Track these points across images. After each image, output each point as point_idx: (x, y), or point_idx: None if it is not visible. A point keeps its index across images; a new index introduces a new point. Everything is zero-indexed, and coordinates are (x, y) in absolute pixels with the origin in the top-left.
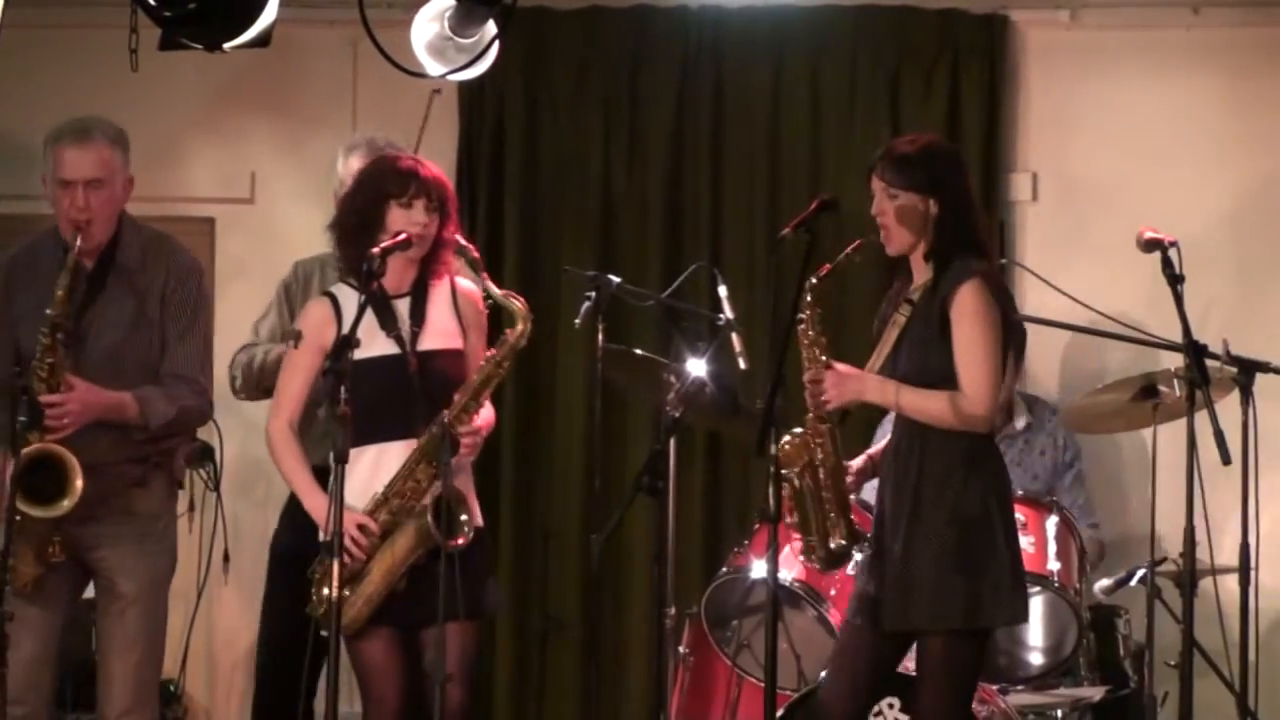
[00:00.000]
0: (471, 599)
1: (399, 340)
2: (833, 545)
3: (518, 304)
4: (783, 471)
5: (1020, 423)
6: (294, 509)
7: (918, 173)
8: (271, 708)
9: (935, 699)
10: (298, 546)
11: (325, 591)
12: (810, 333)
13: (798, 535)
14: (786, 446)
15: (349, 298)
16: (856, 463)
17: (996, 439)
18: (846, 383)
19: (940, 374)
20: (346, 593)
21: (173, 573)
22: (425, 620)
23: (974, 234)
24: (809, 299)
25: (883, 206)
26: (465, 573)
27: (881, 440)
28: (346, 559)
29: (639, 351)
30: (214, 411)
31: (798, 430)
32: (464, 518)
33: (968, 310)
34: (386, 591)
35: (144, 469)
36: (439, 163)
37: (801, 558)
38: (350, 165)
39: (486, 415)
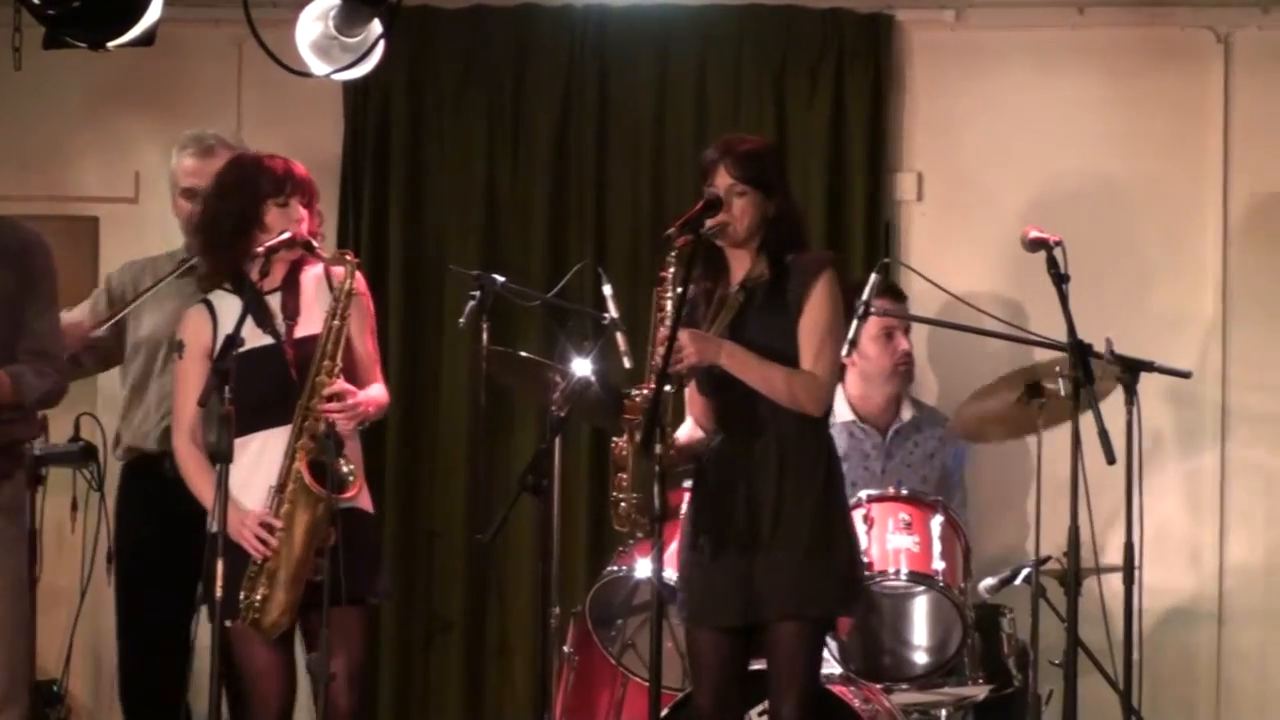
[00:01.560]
0: (361, 580)
1: (274, 332)
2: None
3: (347, 256)
4: (626, 418)
5: (907, 414)
6: (141, 499)
7: (764, 171)
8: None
9: (796, 686)
10: (151, 538)
11: (256, 596)
12: (669, 294)
13: (622, 494)
14: (637, 398)
15: (224, 301)
16: (680, 437)
17: (888, 433)
18: (707, 344)
19: (784, 357)
20: (264, 593)
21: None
22: (314, 601)
23: (804, 231)
24: (671, 257)
25: (729, 199)
26: (355, 553)
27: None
28: (257, 558)
29: (524, 354)
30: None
31: (644, 389)
32: (347, 468)
33: (825, 299)
34: (301, 582)
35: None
36: (323, 161)
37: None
38: (183, 164)
39: (376, 394)
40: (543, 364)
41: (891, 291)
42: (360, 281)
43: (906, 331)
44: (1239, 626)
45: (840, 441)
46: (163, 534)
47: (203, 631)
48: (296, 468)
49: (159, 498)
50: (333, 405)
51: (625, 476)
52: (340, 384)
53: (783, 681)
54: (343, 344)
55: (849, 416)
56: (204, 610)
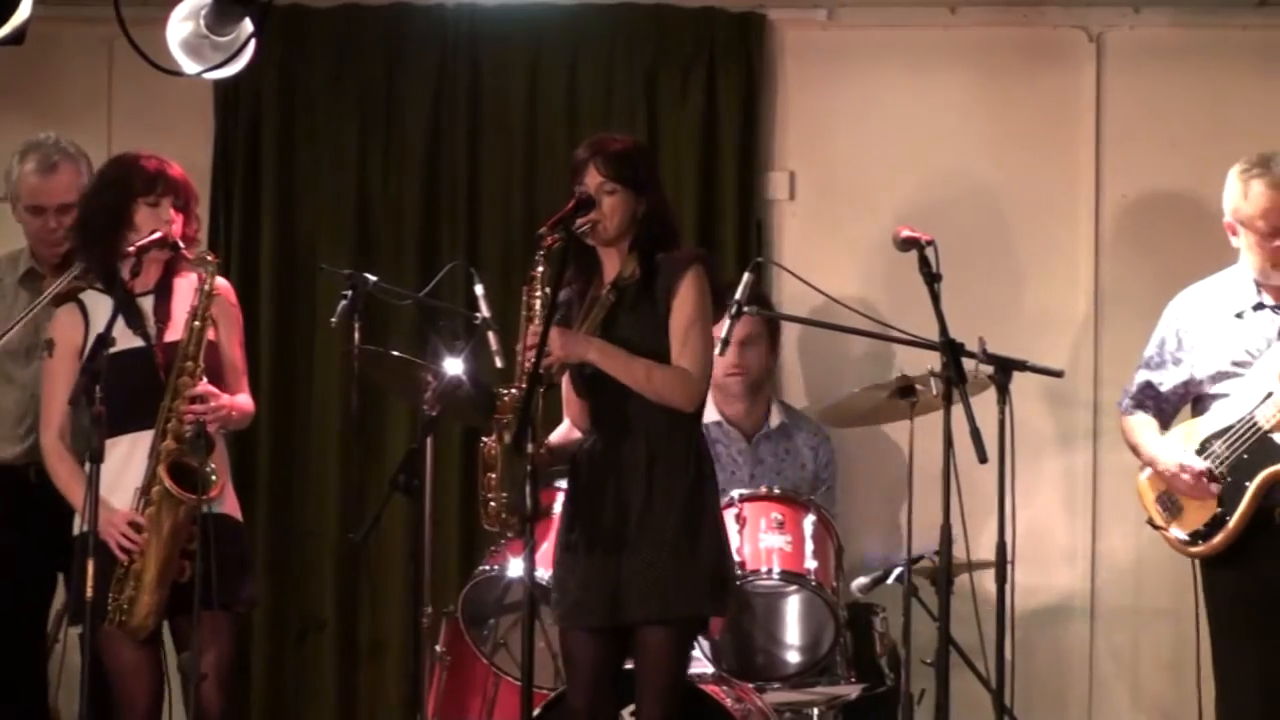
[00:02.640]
0: (228, 589)
1: (145, 334)
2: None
3: (208, 258)
4: (497, 417)
5: (775, 420)
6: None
7: (634, 170)
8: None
9: (663, 687)
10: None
11: (123, 597)
12: (538, 292)
13: (491, 493)
14: (508, 398)
15: (96, 300)
16: (553, 438)
17: (754, 438)
18: (574, 341)
19: (655, 354)
20: (131, 594)
21: None
22: (182, 605)
23: (675, 229)
24: (541, 256)
25: (599, 198)
26: (222, 561)
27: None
28: (123, 558)
29: (396, 353)
30: None
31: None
32: (210, 466)
33: (692, 294)
34: (168, 584)
35: None
36: (194, 161)
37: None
38: (26, 181)
39: (241, 401)
40: (415, 364)
41: (759, 299)
42: (230, 291)
43: (751, 344)
44: (1111, 624)
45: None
46: (22, 542)
47: (71, 633)
48: (159, 470)
49: (19, 508)
50: (196, 407)
51: (494, 476)
52: (204, 386)
53: (650, 682)
54: (204, 345)
55: (715, 418)
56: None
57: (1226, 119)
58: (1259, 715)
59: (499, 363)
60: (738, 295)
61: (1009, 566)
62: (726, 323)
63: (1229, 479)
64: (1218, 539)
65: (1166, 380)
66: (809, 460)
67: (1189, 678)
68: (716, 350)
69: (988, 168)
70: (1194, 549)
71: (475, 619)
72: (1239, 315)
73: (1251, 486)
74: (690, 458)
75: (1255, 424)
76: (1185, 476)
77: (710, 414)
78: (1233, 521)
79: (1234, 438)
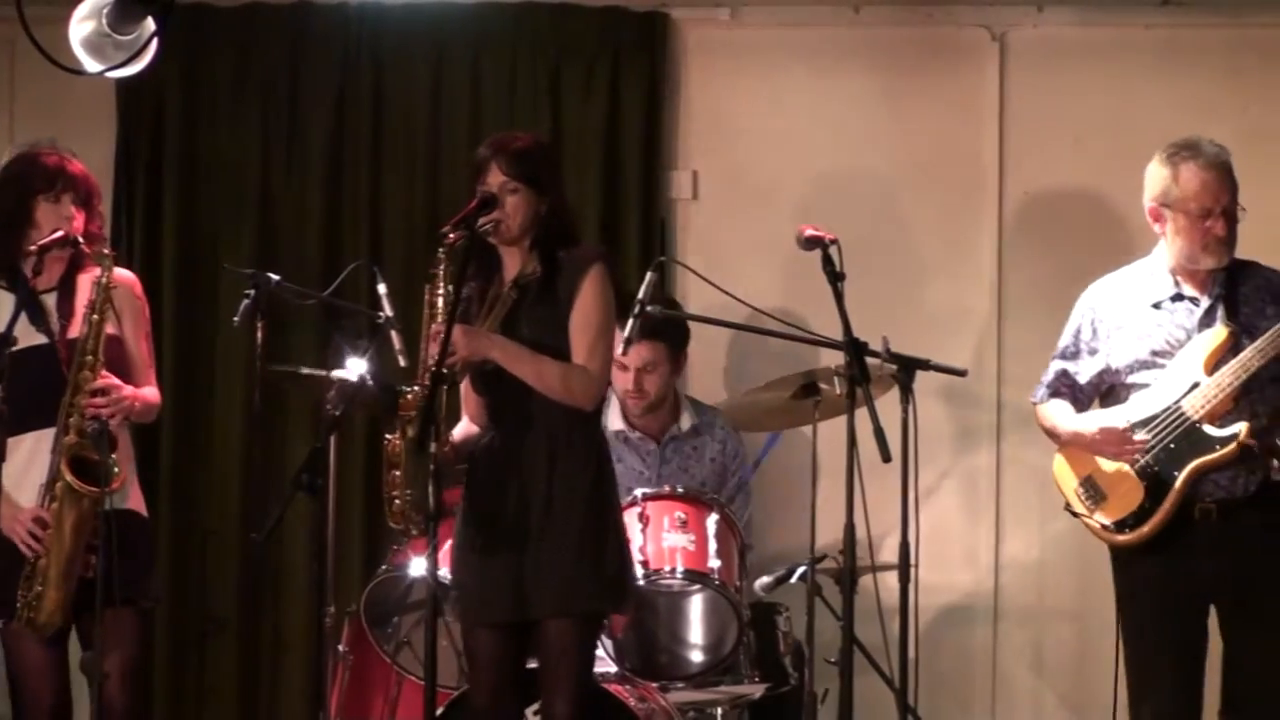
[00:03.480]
0: (133, 583)
1: (48, 331)
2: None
3: (105, 253)
4: (401, 414)
5: (686, 423)
6: None
7: (536, 169)
8: None
9: (567, 683)
10: None
11: (30, 594)
12: (440, 290)
13: (395, 491)
14: (411, 396)
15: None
16: (456, 435)
17: (662, 440)
18: (477, 339)
19: (557, 352)
20: (38, 590)
21: None
22: (89, 604)
23: (576, 228)
24: (443, 254)
25: (502, 197)
26: (126, 556)
27: None
28: (30, 554)
29: (304, 370)
30: None
31: (418, 387)
32: (112, 459)
33: (594, 293)
34: (73, 579)
35: None
36: (96, 159)
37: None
38: None
39: (147, 393)
40: (322, 379)
41: (663, 299)
42: (134, 284)
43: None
44: (1015, 624)
45: (614, 449)
46: None
47: None
48: (61, 465)
49: None
50: (98, 400)
51: (398, 474)
52: (105, 379)
53: (553, 680)
54: (103, 339)
55: (620, 426)
56: None
57: (1129, 117)
58: (1174, 715)
59: (402, 361)
60: (640, 295)
61: (912, 566)
62: (630, 322)
63: (1156, 469)
64: (1146, 528)
65: (1083, 370)
66: (718, 454)
67: (1092, 677)
68: (619, 350)
69: (891, 166)
70: (1120, 537)
71: (378, 618)
72: (1157, 305)
73: (1181, 476)
74: (591, 454)
75: (1182, 414)
76: (1101, 436)
77: (615, 422)
78: (1162, 511)
79: (1159, 427)
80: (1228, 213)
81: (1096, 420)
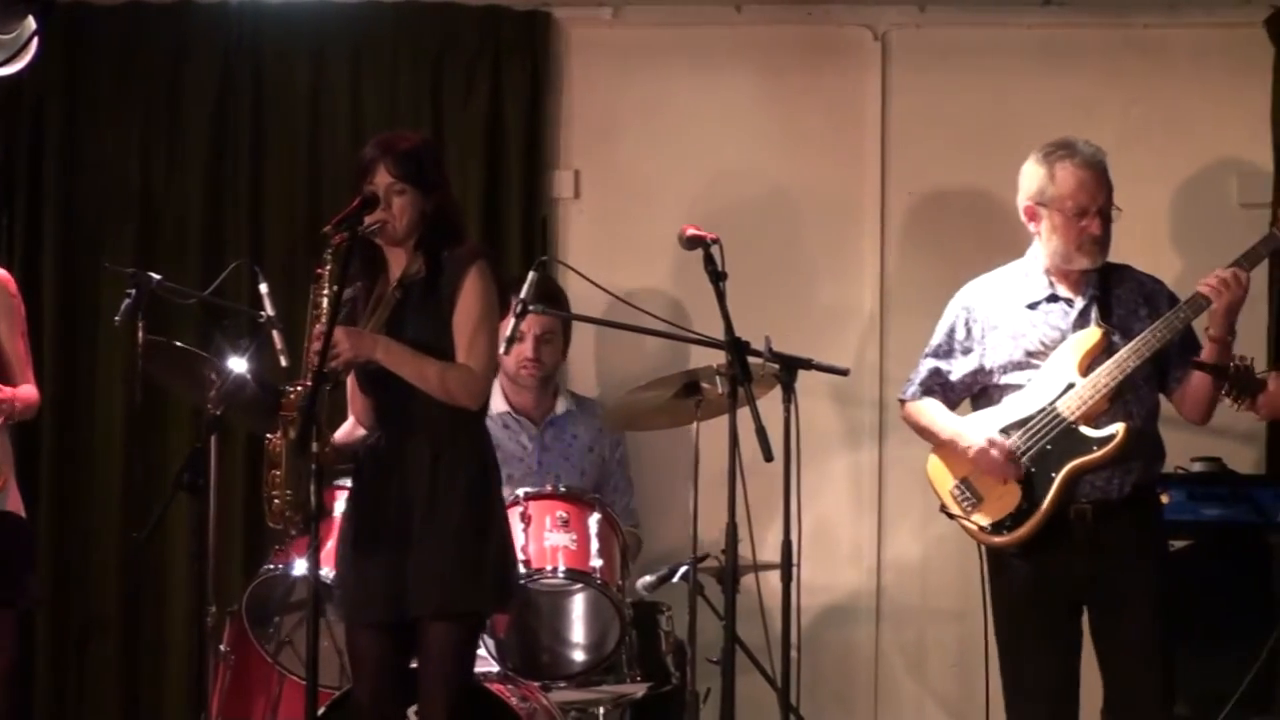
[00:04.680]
0: (11, 585)
1: None
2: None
3: None
4: (281, 415)
5: (562, 406)
6: None
7: (423, 169)
8: None
9: (448, 683)
10: None
11: None
12: (325, 291)
13: (275, 491)
14: (292, 396)
15: None
16: (338, 435)
17: (542, 424)
18: (361, 340)
19: (440, 352)
20: None
21: None
22: None
23: (461, 228)
24: (327, 254)
25: (388, 198)
26: (4, 557)
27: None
28: None
29: (179, 344)
30: None
31: (300, 387)
32: None
33: (476, 292)
34: None
35: None
36: None
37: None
38: None
39: (25, 393)
40: (199, 357)
41: (549, 293)
42: (9, 282)
43: (546, 339)
44: (897, 623)
45: (495, 433)
46: None
47: None
48: None
49: None
50: None
51: (279, 474)
52: None
53: (433, 679)
54: None
55: (503, 408)
56: None
57: (1011, 117)
58: (1049, 716)
59: (284, 361)
60: (523, 294)
61: (795, 565)
62: (512, 320)
63: (1033, 469)
64: (1023, 529)
65: (956, 369)
66: (596, 444)
67: (975, 677)
68: (501, 348)
69: (774, 166)
70: (998, 538)
71: (259, 618)
72: (1031, 306)
73: (1058, 477)
74: (475, 454)
75: (1058, 415)
76: (994, 453)
77: (498, 404)
78: (1040, 511)
79: (1035, 428)
80: (1103, 213)
81: (981, 431)
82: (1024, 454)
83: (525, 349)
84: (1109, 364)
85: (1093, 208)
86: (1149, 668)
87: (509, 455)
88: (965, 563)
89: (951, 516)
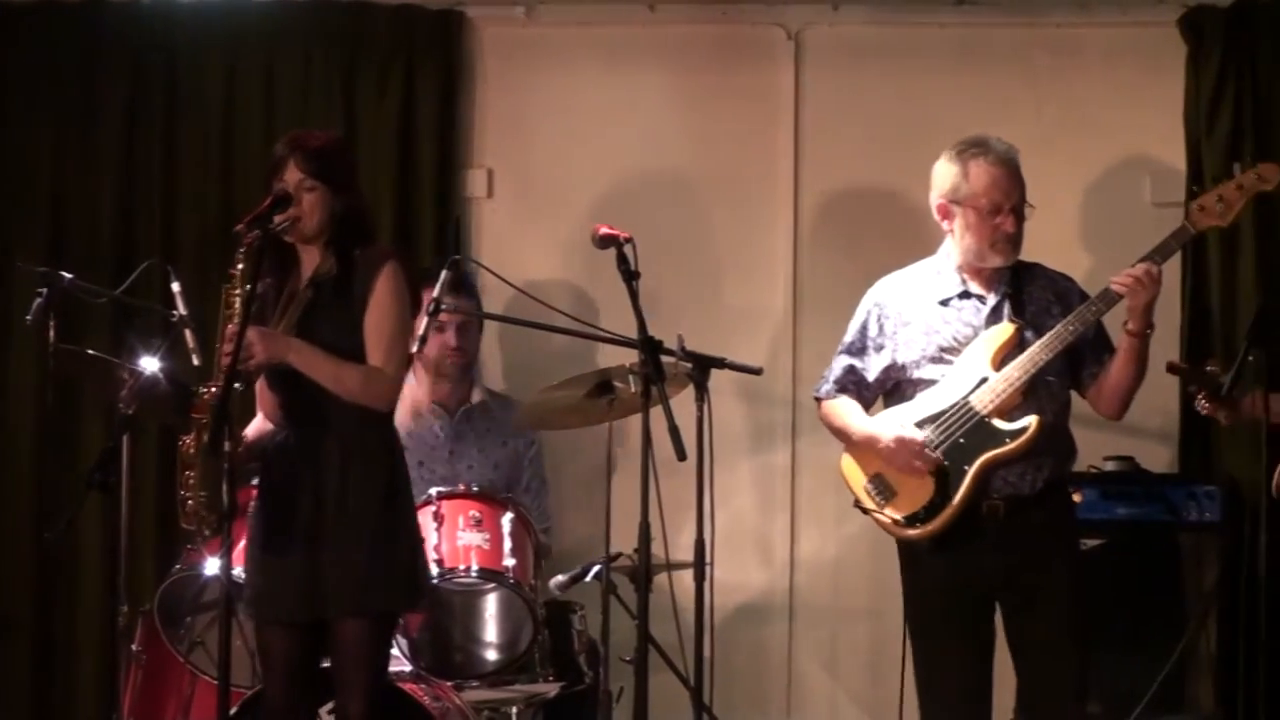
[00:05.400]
0: None
1: None
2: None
3: None
4: (194, 415)
5: (477, 396)
6: None
7: (333, 167)
8: None
9: (361, 683)
10: None
11: None
12: (238, 291)
13: (189, 492)
14: (205, 396)
15: None
16: (249, 432)
17: (456, 414)
18: (274, 342)
19: (352, 352)
20: None
21: None
22: None
23: (372, 226)
24: (240, 253)
25: (298, 195)
26: None
27: None
28: None
29: (91, 351)
30: None
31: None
32: None
33: (388, 292)
34: None
35: None
36: None
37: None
38: None
39: None
40: (112, 362)
41: (461, 286)
42: None
43: (467, 327)
44: (810, 622)
45: (407, 421)
46: None
47: None
48: None
49: None
50: None
51: (192, 474)
52: None
53: (347, 679)
54: None
55: (418, 396)
56: None
57: (924, 116)
58: (963, 713)
59: (196, 360)
60: (435, 293)
61: (708, 564)
62: (425, 320)
63: (946, 462)
64: (936, 522)
65: (870, 366)
66: (511, 440)
67: (887, 676)
68: (414, 347)
69: (687, 165)
70: (911, 531)
71: (171, 618)
72: (944, 303)
73: (971, 470)
74: (384, 453)
75: (970, 408)
76: (906, 445)
77: (414, 392)
78: (953, 504)
79: (948, 422)
80: (1016, 210)
81: (892, 428)
82: (937, 447)
83: (449, 338)
84: (1022, 358)
85: (1006, 205)
86: (1062, 663)
87: (420, 443)
88: (878, 561)
89: (866, 511)
